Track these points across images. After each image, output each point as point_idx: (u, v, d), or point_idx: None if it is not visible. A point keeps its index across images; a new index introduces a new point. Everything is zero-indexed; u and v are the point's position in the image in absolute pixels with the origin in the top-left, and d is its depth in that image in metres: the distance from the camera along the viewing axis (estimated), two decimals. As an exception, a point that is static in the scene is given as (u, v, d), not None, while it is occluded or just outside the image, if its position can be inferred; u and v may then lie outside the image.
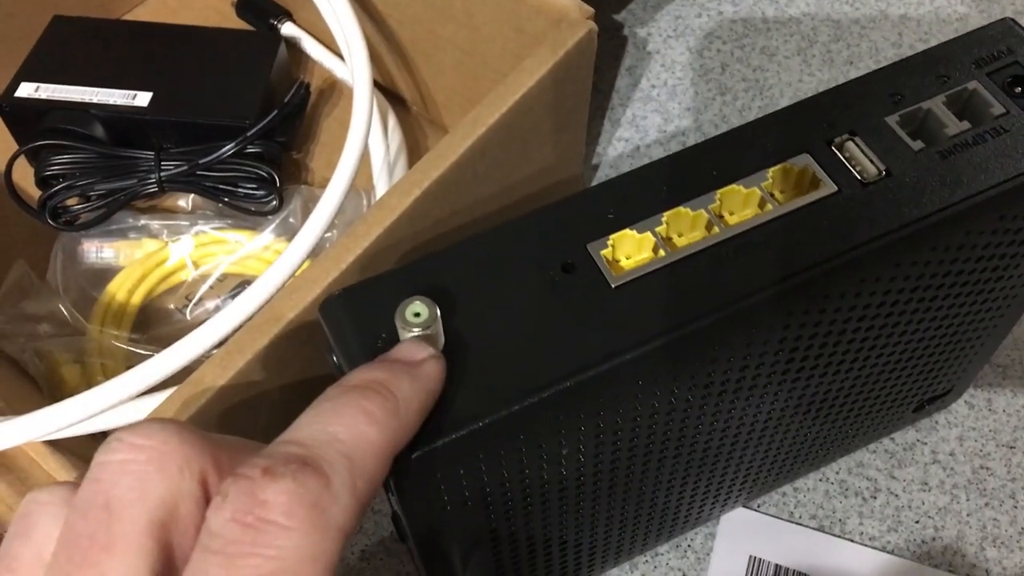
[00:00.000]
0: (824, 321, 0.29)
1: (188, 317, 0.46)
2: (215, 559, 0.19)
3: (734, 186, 0.29)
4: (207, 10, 0.58)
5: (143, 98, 0.48)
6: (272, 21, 0.54)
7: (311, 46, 0.54)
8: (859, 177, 0.28)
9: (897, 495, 0.43)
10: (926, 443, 0.44)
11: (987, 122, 0.29)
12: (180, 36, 0.51)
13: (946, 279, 0.31)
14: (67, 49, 0.50)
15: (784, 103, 0.54)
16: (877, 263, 0.28)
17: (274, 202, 0.47)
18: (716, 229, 0.28)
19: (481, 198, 0.39)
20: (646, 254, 0.28)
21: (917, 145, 0.29)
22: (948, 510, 0.42)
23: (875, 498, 0.43)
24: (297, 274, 0.33)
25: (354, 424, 0.22)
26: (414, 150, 0.52)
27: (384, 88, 0.54)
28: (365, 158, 0.46)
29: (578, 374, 0.26)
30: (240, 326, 0.34)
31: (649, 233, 0.28)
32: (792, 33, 0.57)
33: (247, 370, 0.32)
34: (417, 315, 0.25)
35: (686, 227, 0.29)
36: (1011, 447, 0.43)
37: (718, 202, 0.28)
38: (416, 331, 0.25)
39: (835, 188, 0.28)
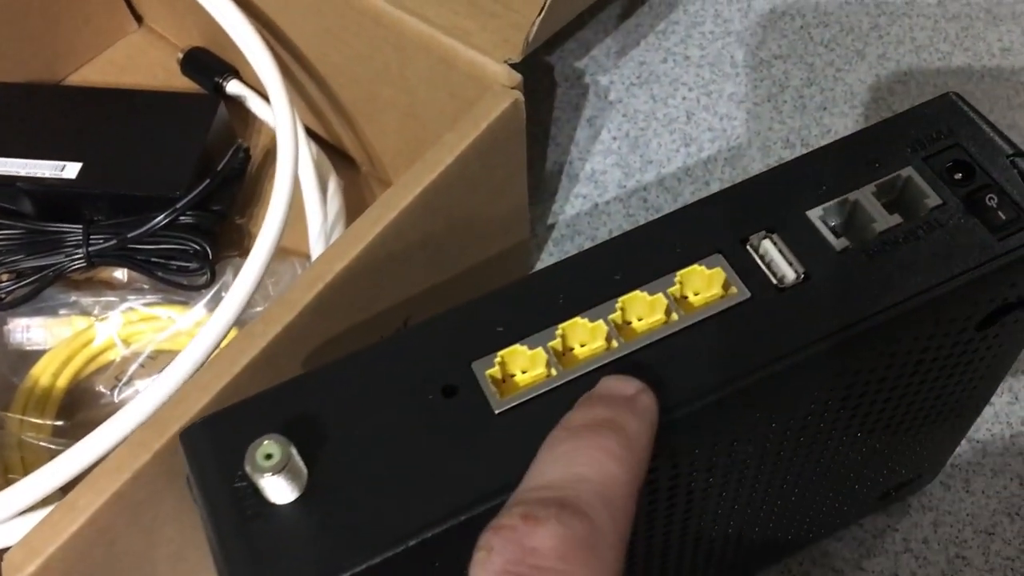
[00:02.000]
0: (741, 439, 0.26)
1: (116, 399, 0.44)
2: None
3: (638, 292, 0.26)
4: (155, 67, 0.56)
5: (72, 169, 0.46)
6: (217, 79, 0.52)
7: (257, 104, 0.52)
8: (774, 281, 0.26)
9: (866, 587, 0.39)
10: (897, 529, 0.41)
11: (921, 215, 0.26)
12: (115, 101, 0.49)
13: (883, 383, 0.28)
14: (-3, 118, 0.48)
15: (752, 153, 0.51)
16: (790, 380, 0.25)
17: (206, 276, 0.45)
18: (615, 343, 0.25)
19: (406, 280, 0.37)
20: (540, 370, 0.26)
21: (841, 243, 0.26)
22: (921, 604, 0.39)
23: (841, 591, 0.39)
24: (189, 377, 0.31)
25: (598, 463, 0.21)
26: (362, 211, 0.50)
27: (333, 147, 0.52)
28: (303, 224, 0.44)
29: (449, 519, 0.23)
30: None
31: (541, 349, 0.25)
32: (762, 78, 0.54)
33: (113, 507, 0.29)
34: (269, 457, 0.23)
35: (585, 339, 0.26)
36: (990, 533, 0.40)
37: (619, 311, 0.26)
38: (268, 475, 0.23)
39: (748, 294, 0.26)
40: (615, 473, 0.21)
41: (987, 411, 0.43)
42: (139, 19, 0.58)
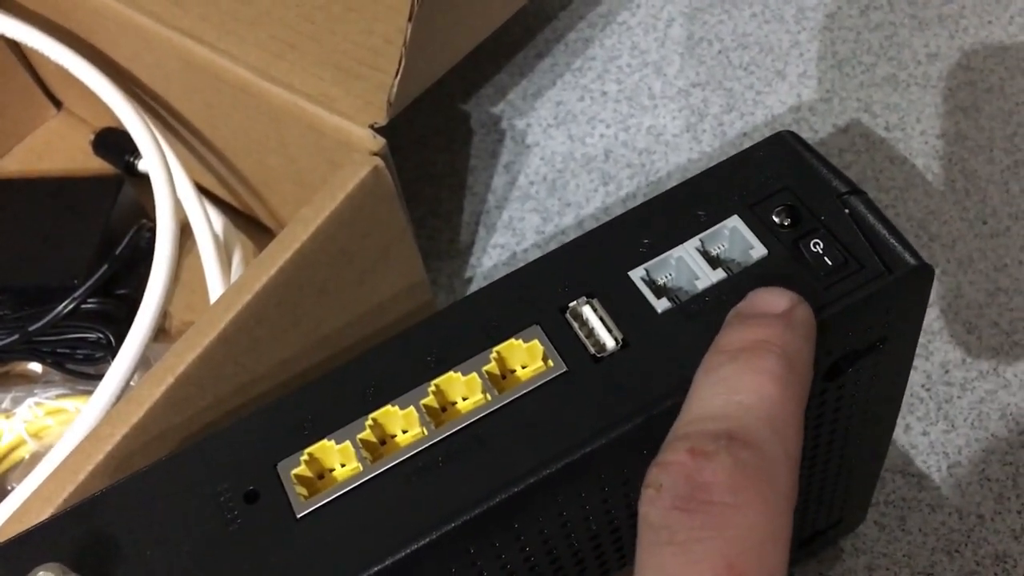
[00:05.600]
0: (577, 515, 0.25)
1: (27, 497, 0.43)
2: (669, 550, 0.18)
3: (451, 373, 0.25)
4: (73, 151, 0.56)
5: (-26, 265, 0.46)
6: (128, 158, 0.52)
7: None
8: (591, 351, 0.24)
9: (799, 641, 0.37)
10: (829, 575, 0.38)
11: (746, 268, 0.25)
12: (20, 191, 0.49)
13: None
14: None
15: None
16: (608, 458, 0.23)
17: (109, 364, 0.44)
18: (425, 430, 0.24)
19: (280, 360, 0.36)
20: (353, 464, 0.24)
21: (662, 305, 0.24)
22: (858, 656, 0.37)
23: (773, 647, 0.37)
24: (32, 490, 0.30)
25: (760, 388, 0.20)
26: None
27: (248, 216, 0.51)
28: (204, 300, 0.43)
29: (243, 640, 0.22)
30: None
31: (348, 442, 0.24)
32: (681, 108, 0.52)
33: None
34: (44, 588, 0.22)
35: (404, 426, 0.25)
36: (928, 574, 0.38)
37: (431, 396, 0.24)
38: (46, 608, 0.21)
39: (564, 367, 0.24)
40: (779, 397, 0.20)
41: (922, 442, 0.41)
42: (58, 104, 0.58)
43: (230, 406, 0.34)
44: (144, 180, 0.51)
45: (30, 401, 0.44)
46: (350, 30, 0.40)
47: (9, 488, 0.44)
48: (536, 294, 0.25)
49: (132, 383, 0.38)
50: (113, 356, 0.44)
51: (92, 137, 0.54)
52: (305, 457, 0.24)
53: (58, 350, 0.45)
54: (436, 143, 0.54)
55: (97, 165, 0.54)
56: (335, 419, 0.24)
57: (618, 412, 0.23)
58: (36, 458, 0.44)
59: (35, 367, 0.47)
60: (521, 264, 0.48)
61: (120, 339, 0.45)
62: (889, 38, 0.53)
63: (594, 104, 0.53)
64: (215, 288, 0.44)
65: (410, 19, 0.35)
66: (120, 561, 0.23)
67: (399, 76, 0.36)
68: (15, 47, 0.54)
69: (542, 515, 0.24)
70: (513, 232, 0.49)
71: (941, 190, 0.47)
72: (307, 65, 0.39)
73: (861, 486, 0.35)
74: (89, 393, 0.45)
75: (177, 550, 0.23)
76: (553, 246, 0.49)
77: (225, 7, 0.41)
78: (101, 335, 0.44)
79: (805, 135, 0.50)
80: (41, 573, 0.22)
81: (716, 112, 0.52)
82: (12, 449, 0.44)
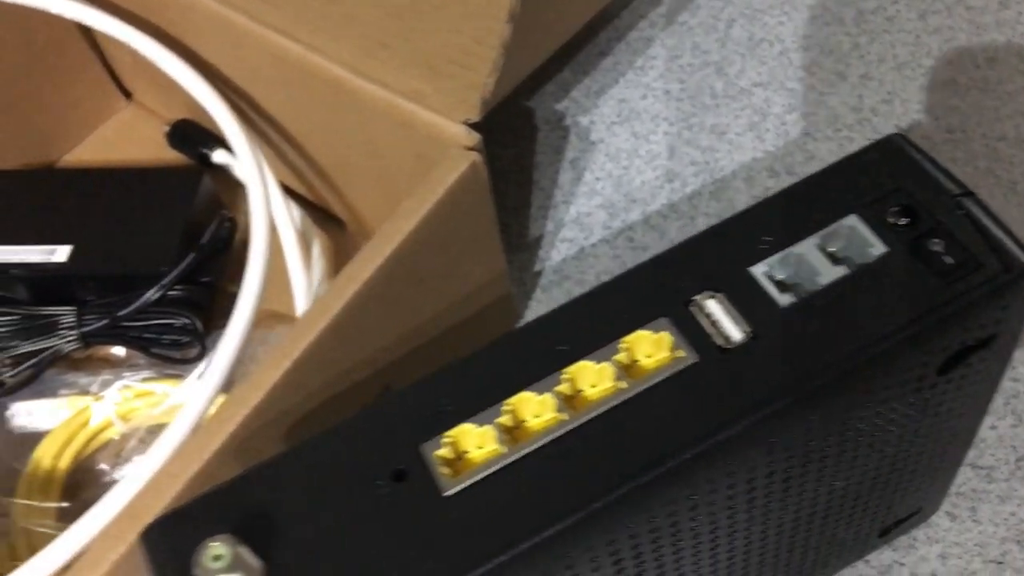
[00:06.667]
0: (705, 500, 0.26)
1: (118, 477, 0.44)
2: None
3: (583, 362, 0.26)
4: (146, 142, 0.57)
5: (62, 252, 0.47)
6: (203, 150, 0.53)
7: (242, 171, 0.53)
8: (719, 343, 0.25)
9: (872, 626, 0.39)
10: (903, 563, 0.40)
11: (866, 265, 0.26)
12: (102, 180, 0.50)
13: (847, 434, 0.27)
14: (-12, 206, 0.49)
15: (737, 184, 0.51)
16: (740, 447, 0.24)
17: (197, 349, 0.46)
18: (564, 415, 0.25)
19: (381, 348, 0.37)
20: (492, 447, 0.25)
21: (786, 299, 0.26)
22: (930, 641, 0.38)
23: (847, 631, 0.39)
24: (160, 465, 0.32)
25: None
26: (351, 271, 0.50)
27: (321, 209, 0.53)
28: (288, 289, 0.45)
29: (400, 610, 0.23)
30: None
31: (489, 426, 0.25)
32: (743, 107, 0.53)
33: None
34: (217, 558, 0.23)
35: (534, 412, 0.26)
36: (999, 563, 0.39)
37: (565, 383, 0.26)
38: (219, 576, 0.23)
39: (696, 358, 0.25)
40: None
41: (990, 436, 0.42)
42: (128, 95, 0.59)
43: (335, 391, 0.35)
44: (217, 171, 0.53)
45: (119, 384, 0.46)
46: (439, 28, 0.41)
47: (99, 467, 0.45)
48: (660, 288, 0.27)
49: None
50: (199, 341, 0.46)
51: (167, 128, 0.55)
52: (447, 439, 0.25)
53: (144, 335, 0.46)
54: (502, 139, 0.55)
55: (166, 155, 0.55)
56: (473, 403, 0.26)
57: (749, 403, 0.24)
58: (125, 439, 0.45)
59: (118, 351, 0.49)
60: (590, 258, 0.50)
61: (204, 325, 0.46)
62: (948, 42, 0.54)
63: (657, 102, 0.54)
64: (297, 278, 0.45)
65: (510, 20, 0.36)
66: (280, 533, 0.24)
67: (496, 74, 0.37)
68: (89, 38, 0.55)
69: (676, 504, 0.25)
70: (580, 227, 0.51)
71: (1004, 193, 0.48)
72: (397, 63, 0.40)
73: (943, 475, 0.36)
74: (175, 376, 0.46)
75: (335, 525, 0.24)
76: (621, 242, 0.50)
77: (316, 6, 0.42)
78: (188, 320, 0.45)
79: (868, 136, 0.51)
80: (214, 543, 0.23)
81: (779, 112, 0.53)
82: (101, 430, 0.45)
